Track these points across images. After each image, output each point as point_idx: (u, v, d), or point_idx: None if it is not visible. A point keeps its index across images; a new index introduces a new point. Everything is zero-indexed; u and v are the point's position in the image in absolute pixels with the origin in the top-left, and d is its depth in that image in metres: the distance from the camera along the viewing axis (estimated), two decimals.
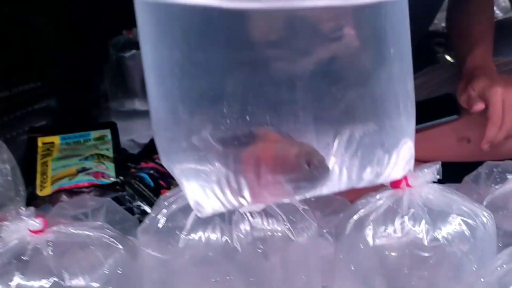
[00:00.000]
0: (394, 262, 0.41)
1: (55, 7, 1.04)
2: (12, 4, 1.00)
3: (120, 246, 0.40)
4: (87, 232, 0.41)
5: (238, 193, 0.37)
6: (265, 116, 0.37)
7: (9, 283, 0.34)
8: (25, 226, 0.40)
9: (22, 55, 1.00)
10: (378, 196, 0.46)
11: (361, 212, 0.44)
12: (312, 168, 0.38)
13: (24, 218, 0.41)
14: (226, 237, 0.36)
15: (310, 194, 0.40)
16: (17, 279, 0.35)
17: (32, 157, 0.87)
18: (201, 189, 0.37)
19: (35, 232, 0.41)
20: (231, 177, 0.36)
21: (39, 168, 0.84)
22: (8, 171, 0.80)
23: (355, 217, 0.44)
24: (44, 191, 0.80)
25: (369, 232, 0.41)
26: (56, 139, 0.92)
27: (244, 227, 0.36)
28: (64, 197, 0.82)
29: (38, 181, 0.82)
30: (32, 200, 0.79)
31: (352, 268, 0.42)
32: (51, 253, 0.37)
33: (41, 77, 0.99)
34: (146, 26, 0.37)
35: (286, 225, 0.37)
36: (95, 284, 0.37)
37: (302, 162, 0.37)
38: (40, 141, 0.90)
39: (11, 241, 0.40)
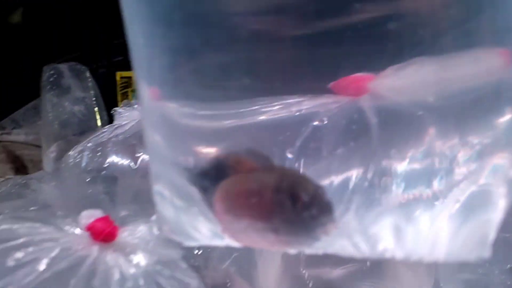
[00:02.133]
0: None
1: None
2: None
3: None
4: None
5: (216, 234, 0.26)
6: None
7: (136, 155, 0.35)
8: (137, 112, 0.41)
9: None
10: None
11: None
12: (299, 207, 0.24)
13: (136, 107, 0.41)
14: None
15: (310, 249, 0.26)
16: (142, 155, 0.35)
17: (112, 90, 0.89)
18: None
19: None
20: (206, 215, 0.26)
21: (119, 97, 0.86)
22: (92, 97, 0.82)
23: None
24: None
25: None
26: (132, 74, 0.93)
27: None
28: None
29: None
30: None
31: None
32: None
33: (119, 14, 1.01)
34: None
35: None
36: None
37: (283, 198, 0.24)
38: (118, 75, 0.92)
39: (127, 124, 0.40)
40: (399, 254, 0.25)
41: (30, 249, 0.22)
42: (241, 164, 0.26)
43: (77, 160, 0.35)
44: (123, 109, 0.41)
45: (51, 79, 0.77)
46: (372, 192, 0.24)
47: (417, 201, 0.24)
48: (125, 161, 0.35)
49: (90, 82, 0.82)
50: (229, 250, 0.39)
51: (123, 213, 0.28)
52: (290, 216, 0.24)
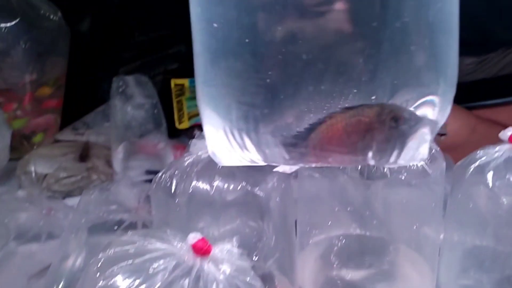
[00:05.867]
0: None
1: None
2: None
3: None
4: None
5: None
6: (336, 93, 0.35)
7: (212, 184, 0.46)
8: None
9: (158, 6, 1.13)
10: (497, 148, 0.52)
11: (482, 160, 0.51)
12: (400, 124, 0.36)
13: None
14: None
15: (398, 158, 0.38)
16: (217, 181, 0.47)
17: (168, 96, 1.00)
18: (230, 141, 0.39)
19: None
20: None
21: (175, 105, 0.98)
22: (152, 105, 0.94)
23: (476, 164, 0.51)
24: (182, 125, 0.93)
25: (489, 176, 0.49)
26: (185, 82, 1.05)
27: None
28: (196, 131, 0.95)
29: (176, 116, 0.95)
30: (172, 132, 0.93)
31: (471, 206, 0.50)
32: (235, 167, 0.49)
33: (173, 26, 1.12)
34: None
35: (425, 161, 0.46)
36: (265, 193, 0.49)
37: (387, 120, 0.35)
38: (173, 82, 1.04)
39: (202, 154, 0.51)
40: None
41: (161, 261, 0.34)
42: (333, 115, 0.36)
43: (168, 185, 0.47)
44: (198, 139, 0.52)
45: (119, 89, 0.90)
46: None
47: None
48: (204, 187, 0.47)
49: (150, 90, 0.94)
50: (272, 251, 0.50)
51: (213, 233, 0.40)
52: (393, 131, 0.35)
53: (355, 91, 0.36)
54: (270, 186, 0.48)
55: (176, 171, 0.48)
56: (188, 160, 0.50)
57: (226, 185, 0.46)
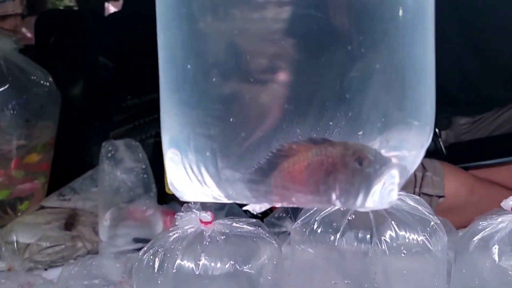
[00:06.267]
0: None
1: None
2: (142, 24, 1.14)
3: (274, 241, 0.48)
4: (246, 227, 0.49)
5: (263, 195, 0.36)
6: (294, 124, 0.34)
7: (198, 262, 0.43)
8: (197, 218, 0.49)
9: (150, 69, 1.14)
10: (500, 219, 0.50)
11: (486, 231, 0.48)
12: (365, 165, 0.33)
13: (196, 211, 0.50)
14: (377, 241, 0.42)
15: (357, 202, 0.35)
16: (203, 260, 0.43)
17: (159, 159, 0.98)
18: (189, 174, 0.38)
19: (205, 223, 0.49)
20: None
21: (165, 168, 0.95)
22: (142, 169, 0.92)
23: (479, 236, 0.48)
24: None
25: (494, 250, 0.46)
26: None
27: (390, 233, 0.42)
28: None
29: (166, 180, 0.93)
30: (162, 197, 0.90)
31: (476, 282, 0.46)
32: (223, 241, 0.46)
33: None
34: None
35: (425, 235, 0.43)
36: (255, 271, 0.45)
37: (351, 161, 0.33)
38: None
39: (188, 229, 0.48)
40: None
41: None
42: (294, 150, 0.34)
43: (150, 263, 0.44)
44: (184, 213, 0.49)
45: (109, 154, 0.88)
46: None
47: None
48: (189, 266, 0.43)
49: (141, 154, 0.92)
50: None
51: None
52: (356, 172, 0.33)
53: (318, 129, 0.35)
54: (260, 262, 0.45)
55: (160, 249, 0.45)
56: (173, 235, 0.48)
57: (213, 264, 0.43)
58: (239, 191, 0.38)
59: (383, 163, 0.34)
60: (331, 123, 0.35)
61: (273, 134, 0.36)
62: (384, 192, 0.36)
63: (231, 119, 0.36)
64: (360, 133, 0.35)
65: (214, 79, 0.36)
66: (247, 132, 0.36)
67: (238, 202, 0.40)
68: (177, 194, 0.43)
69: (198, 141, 0.38)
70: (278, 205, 0.40)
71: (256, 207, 0.45)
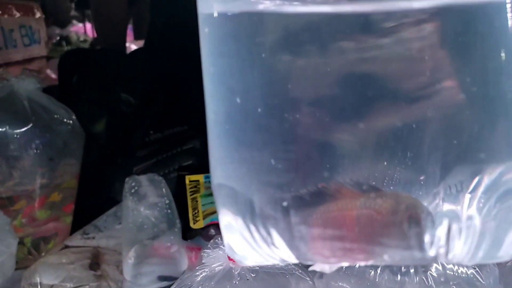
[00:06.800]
0: None
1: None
2: (165, 61, 1.14)
3: (307, 278, 0.45)
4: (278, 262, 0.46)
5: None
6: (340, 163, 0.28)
7: None
8: (225, 255, 0.47)
9: (172, 103, 1.14)
10: None
11: None
12: (412, 227, 0.27)
13: (223, 247, 0.47)
14: (422, 276, 0.39)
15: (399, 261, 0.29)
16: None
17: (182, 193, 0.97)
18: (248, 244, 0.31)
19: (233, 260, 0.47)
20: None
21: (189, 203, 0.94)
22: (166, 204, 0.90)
23: None
24: (197, 224, 0.88)
25: None
26: (200, 177, 1.01)
27: (436, 266, 0.39)
28: (212, 231, 0.90)
29: (190, 215, 0.91)
30: (187, 232, 0.88)
31: None
32: (253, 278, 0.43)
33: (187, 122, 1.11)
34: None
35: (475, 267, 0.40)
36: None
37: (402, 219, 0.27)
38: (188, 179, 1.00)
39: (216, 267, 0.46)
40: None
41: None
42: (341, 193, 0.28)
43: None
44: (211, 250, 0.47)
45: (132, 189, 0.86)
46: None
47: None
48: None
49: (164, 189, 0.91)
50: None
51: None
52: (402, 234, 0.27)
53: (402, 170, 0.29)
54: None
55: None
56: (200, 274, 0.45)
57: None
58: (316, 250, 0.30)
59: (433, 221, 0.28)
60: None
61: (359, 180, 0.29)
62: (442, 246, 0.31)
63: (307, 161, 0.29)
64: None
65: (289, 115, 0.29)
66: (329, 176, 0.29)
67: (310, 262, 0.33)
68: (236, 259, 0.34)
69: (265, 192, 0.29)
70: (358, 263, 0.33)
71: (326, 267, 0.35)
